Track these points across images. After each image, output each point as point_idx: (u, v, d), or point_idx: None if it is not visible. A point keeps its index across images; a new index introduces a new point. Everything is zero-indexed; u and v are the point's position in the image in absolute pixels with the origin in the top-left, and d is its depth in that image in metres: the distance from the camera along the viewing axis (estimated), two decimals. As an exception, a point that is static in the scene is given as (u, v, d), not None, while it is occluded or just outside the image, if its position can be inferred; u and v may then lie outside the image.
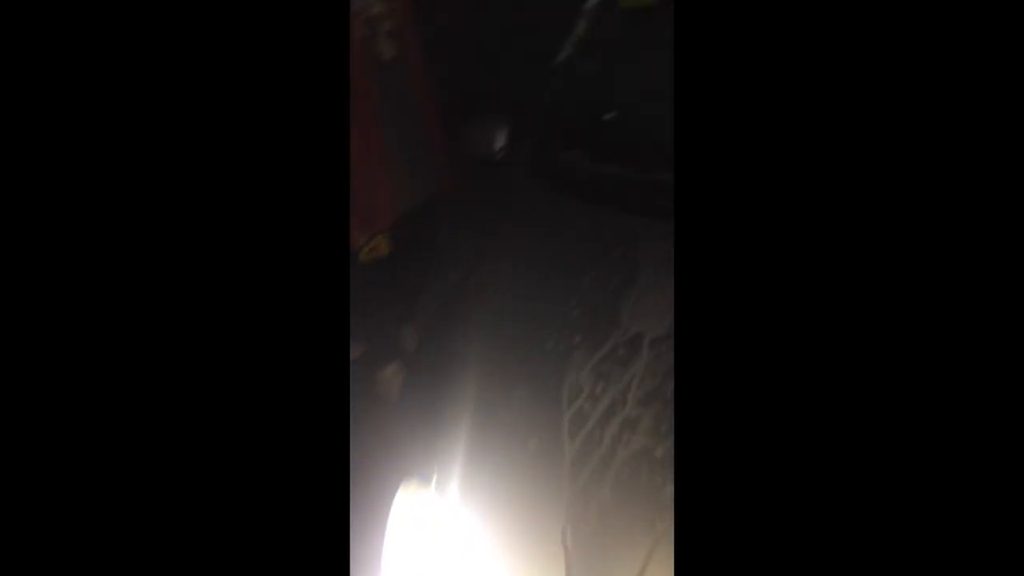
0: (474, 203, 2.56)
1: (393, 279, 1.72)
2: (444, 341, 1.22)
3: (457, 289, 1.44)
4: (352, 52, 1.26)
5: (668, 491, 0.80)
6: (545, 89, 1.61)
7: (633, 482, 0.82)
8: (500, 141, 1.54)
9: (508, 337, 1.08)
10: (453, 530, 0.89)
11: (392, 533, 0.95)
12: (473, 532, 0.87)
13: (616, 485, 0.83)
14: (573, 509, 0.82)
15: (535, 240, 1.27)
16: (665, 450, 0.83)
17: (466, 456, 0.91)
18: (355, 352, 1.89)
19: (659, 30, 1.63)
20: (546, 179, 1.38)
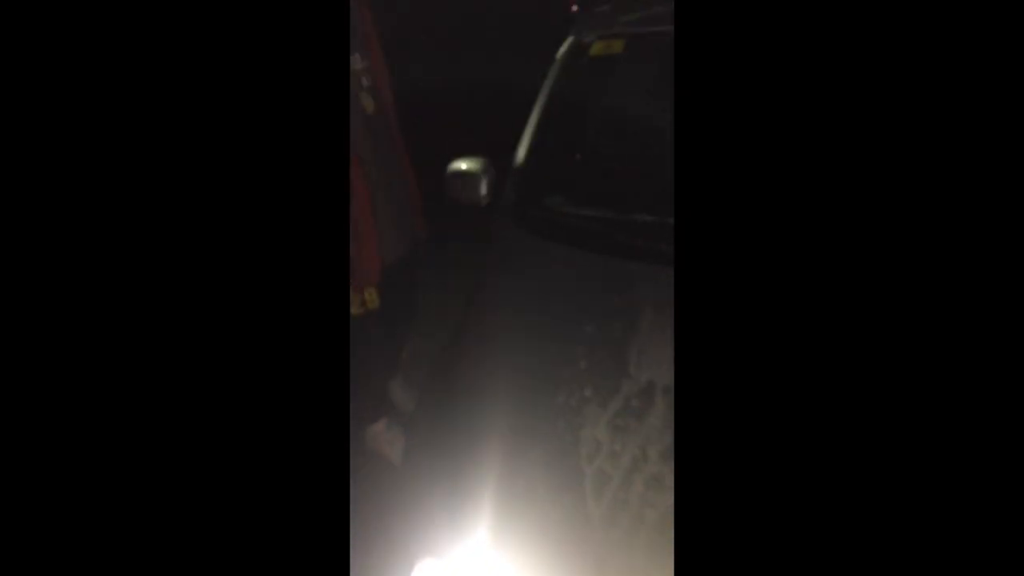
0: (461, 252, 2.53)
1: (378, 330, 1.68)
2: (444, 400, 1.18)
3: (451, 343, 1.41)
4: None
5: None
6: (525, 133, 1.62)
7: (667, 545, 0.79)
8: (484, 188, 1.54)
9: (515, 393, 1.05)
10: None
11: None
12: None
13: (650, 550, 0.80)
14: (608, 578, 0.79)
15: (529, 289, 1.25)
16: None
17: (489, 528, 0.87)
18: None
19: (633, 74, 1.68)
20: (532, 224, 1.37)
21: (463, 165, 1.59)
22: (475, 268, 1.58)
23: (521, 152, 1.55)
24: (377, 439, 1.82)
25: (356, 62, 1.34)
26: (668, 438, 0.89)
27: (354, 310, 1.40)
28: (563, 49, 1.84)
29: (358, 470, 1.77)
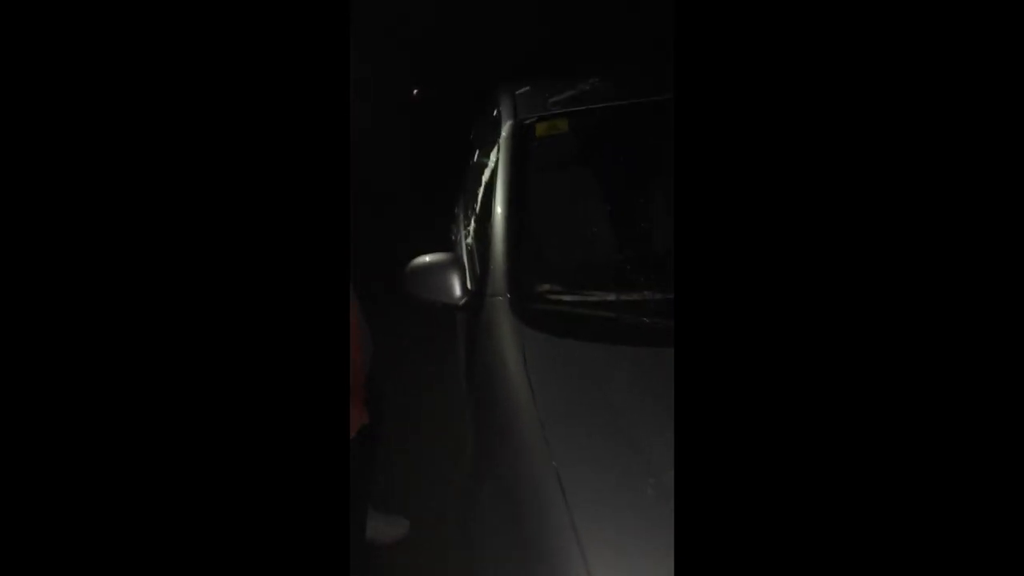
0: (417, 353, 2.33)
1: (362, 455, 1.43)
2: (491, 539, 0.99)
3: (459, 465, 1.22)
4: None
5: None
6: (491, 220, 1.54)
7: None
8: (456, 284, 1.41)
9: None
10: None
11: None
12: None
13: None
14: None
15: (561, 393, 1.05)
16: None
17: None
18: None
19: (584, 149, 1.66)
20: (531, 317, 1.25)
21: (429, 260, 1.46)
22: (465, 373, 1.42)
23: (495, 243, 1.44)
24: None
25: None
26: None
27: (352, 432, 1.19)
28: (505, 133, 1.80)
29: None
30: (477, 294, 1.40)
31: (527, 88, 2.16)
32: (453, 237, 2.71)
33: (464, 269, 1.44)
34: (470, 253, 1.99)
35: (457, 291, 1.41)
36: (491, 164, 1.87)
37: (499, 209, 1.50)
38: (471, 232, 2.05)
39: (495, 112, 2.17)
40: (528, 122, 1.79)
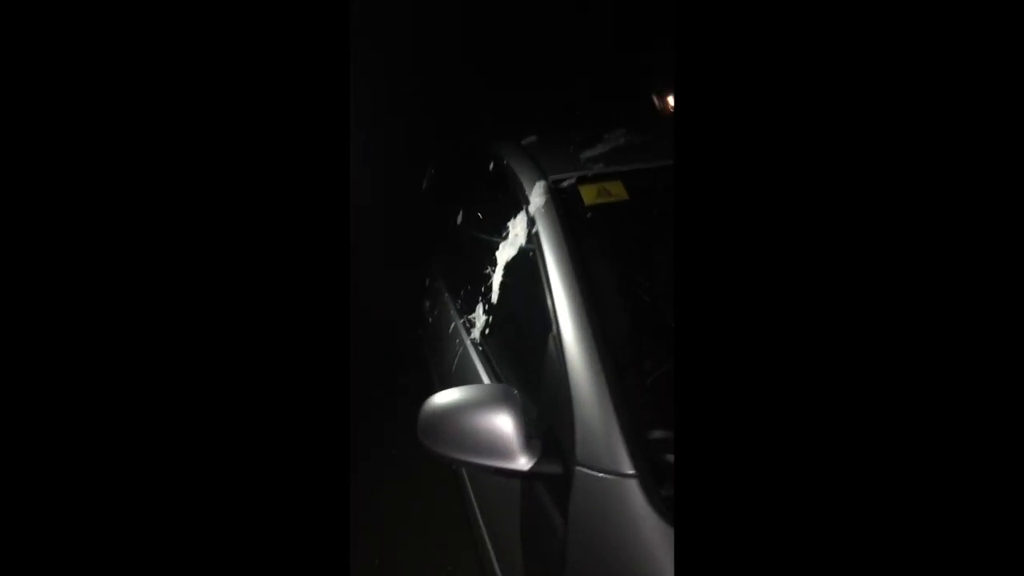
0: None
1: None
2: None
3: None
4: None
5: None
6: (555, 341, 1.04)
7: None
8: (522, 444, 0.91)
9: None
10: None
11: None
12: None
13: None
14: None
15: None
16: None
17: None
18: None
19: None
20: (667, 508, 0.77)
21: (463, 398, 0.94)
22: None
23: (576, 381, 0.94)
24: None
25: None
26: None
27: None
28: (538, 199, 1.33)
29: None
30: (548, 456, 0.90)
31: (534, 138, 1.72)
32: (430, 318, 2.17)
33: (520, 409, 0.93)
34: (483, 356, 1.48)
35: (522, 455, 0.90)
36: (514, 238, 1.38)
37: (570, 322, 1.00)
38: (483, 327, 1.54)
39: (490, 165, 1.71)
40: (566, 184, 1.33)
